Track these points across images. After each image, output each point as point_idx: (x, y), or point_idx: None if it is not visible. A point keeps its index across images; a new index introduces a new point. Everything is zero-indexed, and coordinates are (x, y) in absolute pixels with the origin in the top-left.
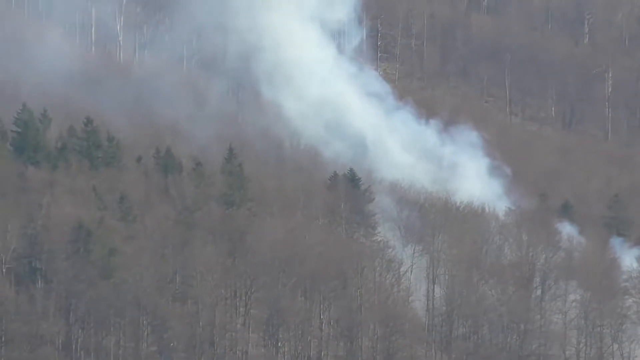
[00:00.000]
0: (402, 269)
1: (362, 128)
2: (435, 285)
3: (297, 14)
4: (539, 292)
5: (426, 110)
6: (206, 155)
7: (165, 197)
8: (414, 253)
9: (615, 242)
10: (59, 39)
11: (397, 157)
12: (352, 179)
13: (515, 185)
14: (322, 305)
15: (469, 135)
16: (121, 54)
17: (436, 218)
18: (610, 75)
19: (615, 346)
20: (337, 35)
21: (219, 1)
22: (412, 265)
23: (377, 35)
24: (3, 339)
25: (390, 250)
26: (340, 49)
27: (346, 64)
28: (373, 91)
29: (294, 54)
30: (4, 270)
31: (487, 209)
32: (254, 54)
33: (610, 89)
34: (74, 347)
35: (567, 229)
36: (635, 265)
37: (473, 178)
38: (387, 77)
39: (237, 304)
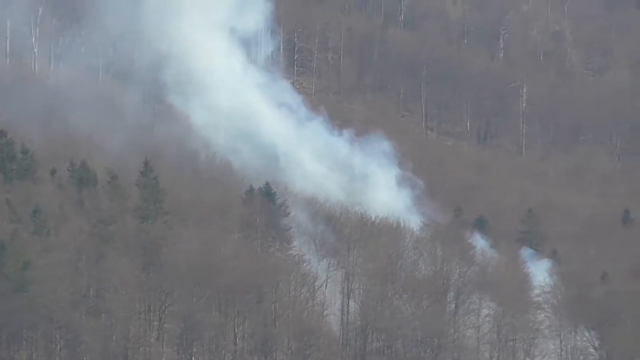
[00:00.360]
0: (317, 283)
1: (273, 138)
2: (350, 300)
3: (207, 23)
4: (452, 306)
5: (341, 122)
6: (121, 168)
7: (80, 210)
8: (328, 267)
9: (528, 256)
10: None
11: (309, 168)
12: (268, 193)
13: (429, 198)
14: (236, 319)
15: (380, 145)
16: (36, 65)
17: (351, 232)
18: (525, 90)
19: None
20: (249, 45)
21: (132, 11)
22: (327, 280)
23: (294, 48)
24: None
25: (305, 264)
26: (252, 59)
27: (257, 74)
28: (284, 102)
29: (203, 63)
30: None
31: (402, 224)
32: (164, 64)
33: (525, 104)
34: None
35: (481, 244)
36: (547, 279)
37: (383, 188)
38: (303, 91)
39: (151, 317)
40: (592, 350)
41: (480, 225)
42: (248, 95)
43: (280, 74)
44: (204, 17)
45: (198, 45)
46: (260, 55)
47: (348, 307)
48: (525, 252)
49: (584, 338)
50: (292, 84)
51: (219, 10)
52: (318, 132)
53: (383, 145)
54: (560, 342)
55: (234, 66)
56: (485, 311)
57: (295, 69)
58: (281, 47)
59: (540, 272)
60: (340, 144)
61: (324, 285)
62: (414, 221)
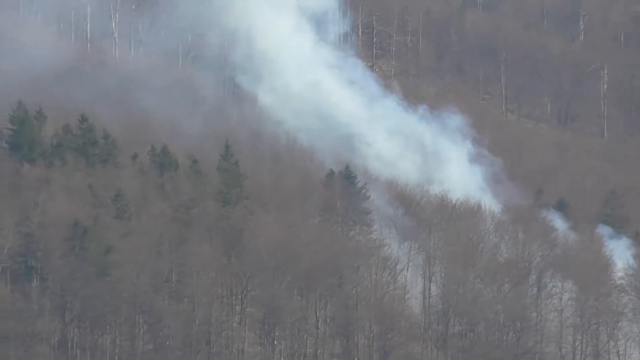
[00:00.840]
0: (398, 267)
1: (346, 118)
2: (431, 283)
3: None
4: (534, 289)
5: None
6: (202, 153)
7: (161, 195)
8: (410, 251)
9: (610, 238)
10: (53, 37)
11: (382, 147)
12: (348, 177)
13: (509, 180)
14: (318, 304)
15: (454, 121)
16: (116, 51)
17: (432, 215)
18: (605, 72)
19: (612, 344)
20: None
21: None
22: (408, 263)
23: (373, 32)
24: None
25: (386, 247)
26: (326, 39)
27: (329, 53)
28: (357, 80)
29: (273, 42)
30: None
31: (483, 206)
32: (235, 45)
33: (605, 87)
34: (69, 345)
35: (562, 227)
36: (631, 262)
37: (457, 167)
38: (382, 74)
39: (233, 302)
40: None
41: (562, 207)
42: (320, 75)
43: (356, 55)
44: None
45: (268, 25)
46: (334, 35)
47: (429, 291)
48: (607, 233)
49: None
50: (371, 66)
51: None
52: (392, 110)
53: (456, 120)
54: None
55: (304, 45)
56: (567, 294)
57: (374, 51)
58: (359, 30)
59: (622, 254)
60: (415, 123)
61: (405, 269)
62: (490, 201)
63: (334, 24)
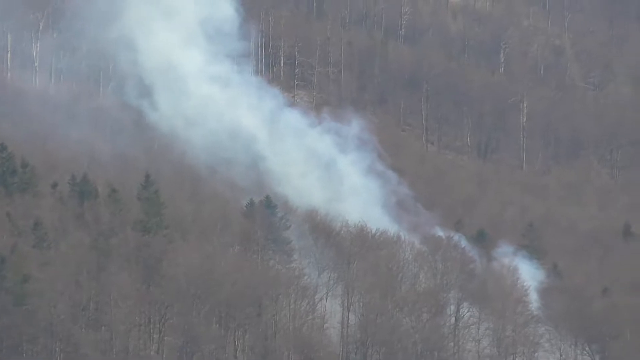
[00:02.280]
0: (317, 296)
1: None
2: (350, 313)
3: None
4: (452, 319)
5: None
6: (122, 182)
7: (81, 224)
8: (329, 280)
9: (529, 270)
10: None
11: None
12: (269, 206)
13: (429, 211)
14: (236, 332)
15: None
16: (37, 80)
17: (351, 245)
18: (525, 104)
19: None
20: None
21: (125, 26)
22: (327, 293)
23: (295, 62)
24: None
25: (305, 277)
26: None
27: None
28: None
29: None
30: None
31: (402, 237)
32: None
33: (525, 119)
34: None
35: (481, 258)
36: (546, 293)
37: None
38: (304, 105)
39: (151, 330)
40: None
41: (481, 238)
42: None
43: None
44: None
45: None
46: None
47: (348, 320)
48: (525, 265)
49: (585, 352)
50: (293, 97)
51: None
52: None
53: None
54: (561, 355)
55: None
56: (485, 324)
57: (296, 82)
58: (282, 61)
59: (540, 285)
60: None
61: (324, 299)
62: (407, 230)
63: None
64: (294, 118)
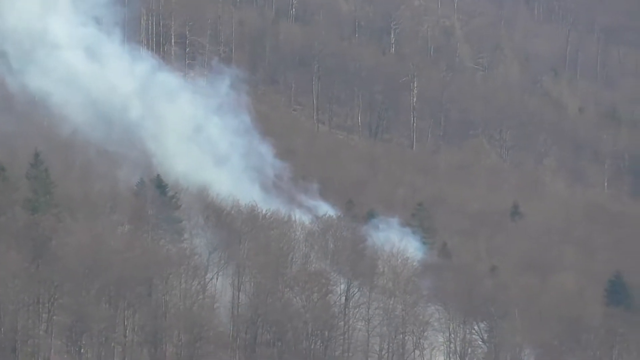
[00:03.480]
0: (207, 276)
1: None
2: (240, 293)
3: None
4: (343, 299)
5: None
6: (10, 159)
7: None
8: (220, 260)
9: (418, 249)
10: None
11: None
12: (159, 185)
13: (322, 192)
14: (126, 312)
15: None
16: None
17: (242, 225)
18: (415, 85)
19: (417, 353)
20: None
21: None
22: (217, 272)
23: (186, 41)
24: None
25: (196, 257)
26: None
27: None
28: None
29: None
30: None
31: (293, 217)
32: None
33: (415, 99)
34: None
35: (372, 237)
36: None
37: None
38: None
39: (40, 310)
40: (481, 342)
41: (371, 218)
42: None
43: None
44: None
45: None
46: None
47: (239, 300)
48: (415, 244)
49: (473, 331)
50: (184, 76)
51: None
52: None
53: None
54: (450, 334)
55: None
56: (375, 304)
57: (187, 62)
58: (172, 40)
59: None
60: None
61: (215, 278)
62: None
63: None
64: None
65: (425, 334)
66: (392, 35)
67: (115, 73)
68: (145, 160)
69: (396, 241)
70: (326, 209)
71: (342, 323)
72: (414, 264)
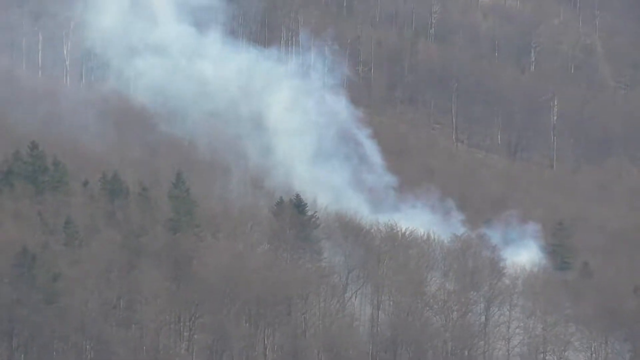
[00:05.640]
0: (346, 295)
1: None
2: (379, 311)
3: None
4: (482, 318)
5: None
6: (152, 180)
7: (112, 222)
8: (358, 279)
9: (558, 269)
10: (4, 64)
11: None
12: (298, 205)
13: (460, 210)
14: (266, 331)
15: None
16: (68, 79)
17: (381, 244)
18: (555, 103)
19: None
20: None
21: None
22: (356, 291)
23: (324, 60)
24: None
25: (335, 276)
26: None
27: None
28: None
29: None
30: None
31: (432, 235)
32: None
33: (555, 117)
34: None
35: (513, 258)
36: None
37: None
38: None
39: (181, 328)
40: None
41: (510, 236)
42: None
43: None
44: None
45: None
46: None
47: (378, 319)
48: (554, 264)
49: (615, 350)
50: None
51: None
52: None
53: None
54: (592, 354)
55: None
56: (515, 323)
57: (328, 83)
58: (312, 60)
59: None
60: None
61: (354, 297)
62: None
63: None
64: None
65: (566, 353)
66: (532, 54)
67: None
68: (284, 180)
69: (536, 261)
70: (465, 228)
71: (482, 342)
72: (555, 283)
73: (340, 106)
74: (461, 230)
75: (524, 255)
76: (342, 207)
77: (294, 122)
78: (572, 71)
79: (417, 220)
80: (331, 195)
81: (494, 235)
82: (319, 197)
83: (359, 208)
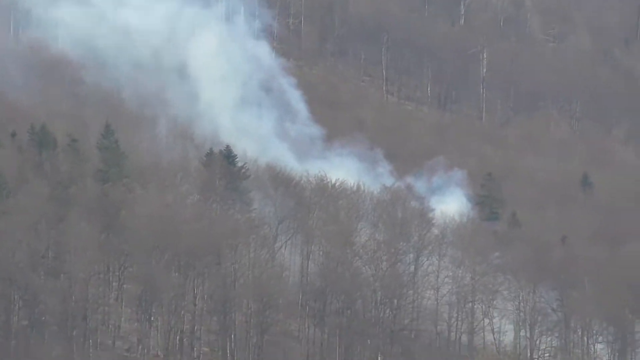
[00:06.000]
0: (276, 245)
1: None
2: (309, 262)
3: None
4: (412, 268)
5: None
6: (81, 131)
7: (40, 173)
8: (288, 229)
9: (487, 220)
10: None
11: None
12: (228, 156)
13: (387, 161)
14: (196, 281)
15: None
16: None
17: (311, 195)
18: (485, 56)
19: (486, 321)
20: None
21: None
22: (286, 242)
23: (255, 13)
24: None
25: (265, 226)
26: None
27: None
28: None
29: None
30: None
31: (362, 187)
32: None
33: (485, 70)
34: None
35: (440, 206)
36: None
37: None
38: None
39: (111, 278)
40: (551, 311)
41: (439, 188)
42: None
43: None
44: None
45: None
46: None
47: (308, 269)
48: (484, 215)
49: (543, 299)
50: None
51: None
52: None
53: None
54: (519, 303)
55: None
56: (444, 272)
57: (256, 34)
58: (242, 12)
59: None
60: None
61: (284, 247)
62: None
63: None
64: None
65: (495, 302)
66: (462, 7)
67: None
68: (213, 131)
69: (466, 210)
70: (394, 179)
71: (412, 292)
72: (483, 233)
73: (265, 54)
74: (390, 180)
75: (451, 203)
76: (268, 157)
77: (219, 69)
78: (502, 24)
79: (344, 169)
80: (257, 145)
81: (421, 185)
82: (244, 145)
83: (284, 157)
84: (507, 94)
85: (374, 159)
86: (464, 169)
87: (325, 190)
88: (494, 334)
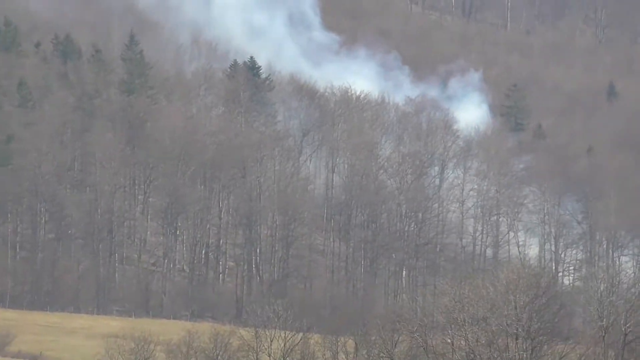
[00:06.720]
0: (301, 158)
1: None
2: (334, 174)
3: None
4: (437, 181)
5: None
6: (106, 42)
7: (64, 84)
8: (313, 142)
9: (513, 131)
10: None
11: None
12: (252, 68)
13: (414, 72)
14: (221, 194)
15: None
16: None
17: (335, 107)
18: None
19: (511, 234)
20: None
21: None
22: (311, 155)
23: None
24: None
25: (289, 139)
26: None
27: None
28: None
29: None
30: None
31: (386, 98)
32: None
33: None
34: None
35: (466, 118)
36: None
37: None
38: None
39: (136, 192)
40: (576, 223)
41: (463, 98)
42: None
43: None
44: None
45: None
46: None
47: (332, 182)
48: (510, 126)
49: (568, 212)
50: None
51: None
52: None
53: None
54: (544, 216)
55: None
56: (469, 186)
57: None
58: None
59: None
60: None
61: (309, 160)
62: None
63: None
64: None
65: (520, 215)
66: None
67: None
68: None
69: (487, 118)
70: (419, 91)
71: (436, 205)
72: (508, 144)
73: None
74: (408, 87)
75: (470, 111)
76: (282, 60)
77: None
78: None
79: (364, 74)
80: (271, 49)
81: (441, 92)
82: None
83: (298, 61)
84: (532, 2)
85: (392, 66)
86: (479, 70)
87: (349, 102)
88: (518, 248)
